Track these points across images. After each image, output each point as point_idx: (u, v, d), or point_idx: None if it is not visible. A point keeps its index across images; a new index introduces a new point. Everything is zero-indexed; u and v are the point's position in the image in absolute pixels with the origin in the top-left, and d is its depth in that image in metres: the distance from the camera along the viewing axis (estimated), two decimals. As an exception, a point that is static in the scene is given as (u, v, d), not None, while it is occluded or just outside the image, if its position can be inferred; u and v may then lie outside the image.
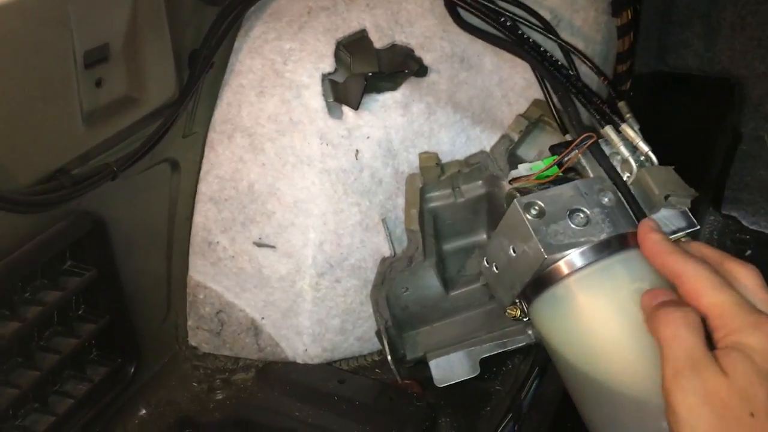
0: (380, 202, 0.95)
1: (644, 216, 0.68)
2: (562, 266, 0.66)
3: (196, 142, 0.95)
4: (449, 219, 0.96)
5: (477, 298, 0.95)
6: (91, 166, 0.76)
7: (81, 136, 0.73)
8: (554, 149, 0.76)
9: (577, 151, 0.74)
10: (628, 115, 0.76)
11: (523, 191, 0.72)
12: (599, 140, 0.75)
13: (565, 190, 0.69)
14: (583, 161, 0.74)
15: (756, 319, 0.55)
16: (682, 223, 0.71)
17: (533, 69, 0.85)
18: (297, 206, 0.93)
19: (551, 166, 0.74)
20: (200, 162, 0.96)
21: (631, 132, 0.74)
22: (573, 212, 0.67)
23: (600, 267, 0.65)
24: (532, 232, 0.66)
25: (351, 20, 0.94)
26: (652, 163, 0.74)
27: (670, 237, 0.68)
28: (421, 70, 0.95)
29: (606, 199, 0.68)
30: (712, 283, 0.57)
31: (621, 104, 0.78)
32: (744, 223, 1.19)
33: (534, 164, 0.76)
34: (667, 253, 0.61)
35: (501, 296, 0.73)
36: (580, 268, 0.65)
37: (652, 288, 0.62)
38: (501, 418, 0.91)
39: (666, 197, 0.69)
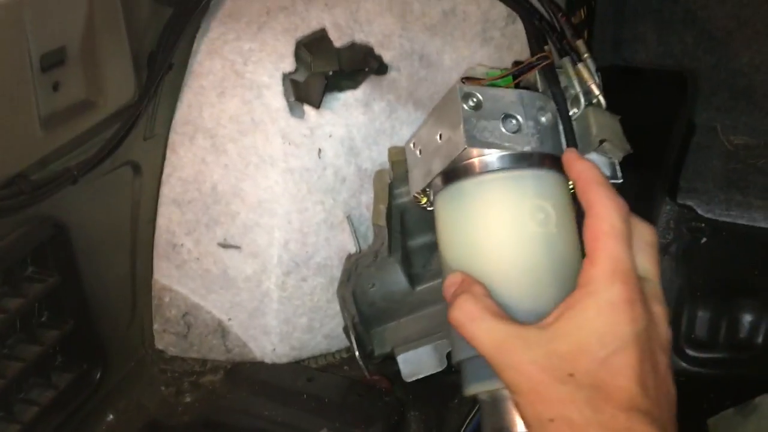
0: (344, 199, 0.96)
1: (575, 147, 0.69)
2: (477, 163, 0.66)
3: (158, 145, 0.95)
4: (417, 215, 0.96)
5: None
6: (50, 171, 0.75)
7: (39, 140, 0.73)
8: (515, 65, 0.76)
9: (532, 68, 0.73)
10: (585, 55, 0.75)
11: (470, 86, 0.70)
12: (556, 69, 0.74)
13: (508, 94, 0.68)
14: (539, 85, 0.74)
15: (626, 278, 0.57)
16: (607, 173, 0.71)
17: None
18: (261, 206, 0.94)
19: (505, 76, 0.74)
20: (162, 164, 0.96)
21: (586, 72, 0.74)
22: (507, 117, 0.67)
23: (512, 175, 0.65)
24: (462, 120, 0.65)
25: (310, 20, 0.94)
26: (600, 106, 0.73)
27: None
28: (381, 68, 0.96)
29: (543, 118, 0.69)
30: (616, 231, 0.58)
31: (579, 42, 0.78)
32: (699, 211, 1.22)
33: (491, 71, 0.76)
34: (594, 183, 0.61)
35: (415, 180, 0.73)
36: (494, 170, 0.65)
37: (462, 278, 0.63)
38: (470, 409, 0.92)
39: (601, 141, 0.69)
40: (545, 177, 0.66)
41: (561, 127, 0.70)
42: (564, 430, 0.55)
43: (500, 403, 0.63)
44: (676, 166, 1.27)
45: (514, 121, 0.66)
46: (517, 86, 0.73)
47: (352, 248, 0.96)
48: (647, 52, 1.41)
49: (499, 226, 0.64)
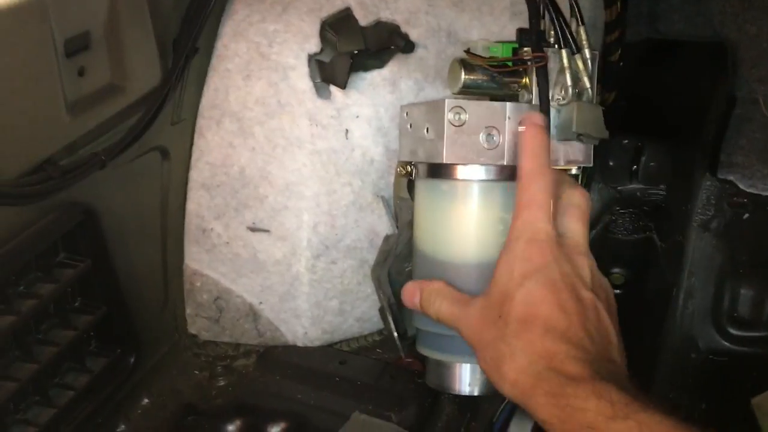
0: (373, 180, 0.95)
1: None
2: (455, 169, 0.76)
3: (185, 129, 0.95)
4: None
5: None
6: (79, 156, 0.76)
7: (66, 126, 0.73)
8: (522, 34, 0.80)
9: (526, 64, 0.79)
10: (584, 42, 0.80)
11: (470, 65, 0.80)
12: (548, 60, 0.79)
13: (494, 108, 0.76)
14: (533, 79, 0.80)
15: (533, 234, 0.69)
16: (580, 157, 0.80)
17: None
18: (289, 189, 0.93)
19: (504, 61, 0.80)
20: (190, 149, 0.96)
21: (581, 64, 0.79)
22: (489, 131, 0.75)
23: (485, 186, 0.76)
24: (445, 136, 0.74)
25: (335, -1, 0.93)
26: (588, 97, 0.79)
27: (566, 166, 0.79)
28: (407, 46, 0.94)
29: (524, 129, 0.74)
30: (531, 201, 0.70)
31: (581, 30, 0.80)
32: (740, 186, 1.18)
33: (493, 47, 0.82)
34: (531, 154, 0.71)
35: (402, 149, 0.83)
36: (468, 180, 0.76)
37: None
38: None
39: (579, 135, 0.78)
40: (514, 188, 0.73)
41: None
42: (499, 363, 0.66)
43: (444, 367, 0.80)
44: (715, 141, 1.23)
45: (495, 137, 0.75)
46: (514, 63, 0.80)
47: (382, 230, 0.95)
48: (684, 23, 1.36)
49: (463, 230, 0.76)
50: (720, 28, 1.30)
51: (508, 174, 0.75)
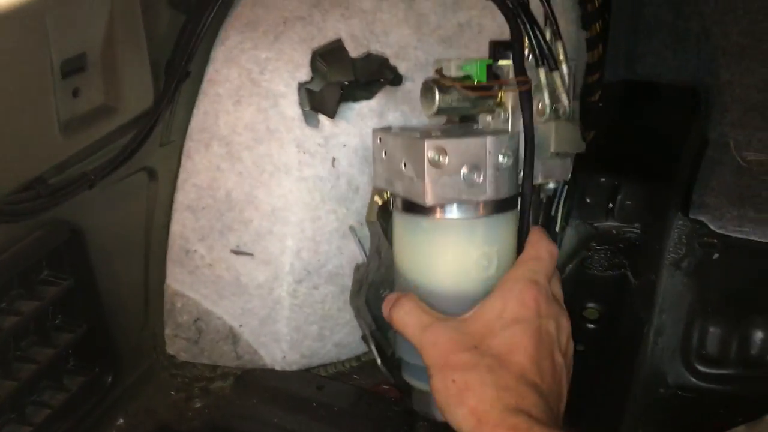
0: (357, 209, 0.96)
1: (532, 170, 0.76)
2: (437, 209, 0.74)
3: (174, 151, 0.95)
4: None
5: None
6: (68, 175, 0.76)
7: (58, 145, 0.74)
8: (497, 47, 0.79)
9: (506, 88, 0.77)
10: (561, 58, 0.79)
11: (444, 88, 0.76)
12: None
13: (473, 144, 0.73)
14: (510, 95, 0.78)
15: (534, 283, 0.71)
16: (558, 172, 0.80)
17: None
18: (274, 214, 0.94)
19: (478, 87, 0.77)
20: (177, 171, 0.97)
21: (559, 82, 0.77)
22: (470, 169, 0.72)
23: (466, 224, 0.74)
24: (426, 178, 0.71)
25: (327, 30, 0.95)
26: (565, 113, 0.78)
27: (544, 181, 0.79)
28: (396, 78, 0.96)
29: (504, 159, 0.74)
30: (538, 258, 0.74)
31: (558, 45, 0.79)
32: (711, 227, 1.21)
33: (466, 65, 0.79)
34: (539, 238, 0.75)
35: (377, 174, 0.80)
36: (449, 218, 0.74)
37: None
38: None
39: (557, 154, 0.78)
40: (496, 221, 0.75)
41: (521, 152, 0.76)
42: (462, 389, 0.66)
43: (429, 396, 0.74)
44: (688, 182, 1.27)
45: (474, 174, 0.73)
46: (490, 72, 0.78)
47: (361, 258, 0.97)
48: (661, 66, 1.41)
49: (446, 267, 0.75)
50: (695, 73, 1.34)
51: (491, 208, 0.75)
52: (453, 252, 0.75)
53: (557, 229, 0.96)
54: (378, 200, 0.86)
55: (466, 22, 0.99)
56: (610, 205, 1.18)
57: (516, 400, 0.65)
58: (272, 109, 0.93)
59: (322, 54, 0.95)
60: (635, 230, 1.17)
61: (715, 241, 1.19)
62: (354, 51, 0.95)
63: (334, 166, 0.94)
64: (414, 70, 0.97)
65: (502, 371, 0.66)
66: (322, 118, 0.94)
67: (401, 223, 0.79)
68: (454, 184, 0.72)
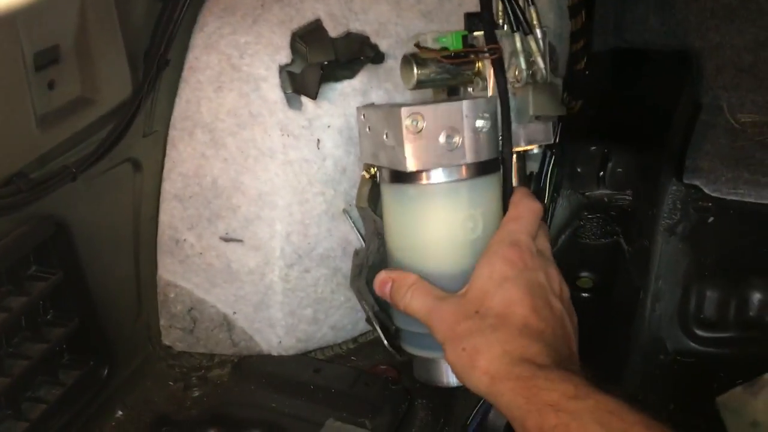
0: (345, 190, 0.96)
1: (509, 134, 0.78)
2: (421, 175, 0.76)
3: (157, 141, 0.95)
4: None
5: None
6: (49, 169, 0.76)
7: (36, 138, 0.73)
8: (470, 19, 0.81)
9: (480, 57, 0.79)
10: (535, 22, 0.80)
11: (422, 60, 0.79)
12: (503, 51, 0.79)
13: (451, 109, 0.75)
14: (487, 63, 0.79)
15: (515, 242, 0.74)
16: (540, 136, 0.81)
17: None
18: (262, 199, 0.94)
19: (455, 54, 0.79)
20: (162, 160, 0.96)
21: (534, 46, 0.79)
22: (448, 134, 0.74)
23: (450, 187, 0.76)
24: (405, 144, 0.74)
25: (305, 11, 0.94)
26: (542, 77, 0.80)
27: (527, 147, 0.81)
28: (377, 56, 0.95)
29: (482, 123, 0.75)
30: (519, 219, 0.77)
31: (531, 10, 0.80)
32: (706, 190, 1.20)
33: (442, 37, 0.81)
34: (522, 196, 0.78)
35: (364, 150, 0.83)
36: (433, 183, 0.76)
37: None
38: (478, 398, 0.92)
39: (536, 118, 0.80)
40: (479, 184, 0.77)
41: (499, 117, 0.77)
42: (473, 354, 0.69)
43: (431, 362, 0.82)
44: (681, 146, 1.26)
45: (454, 138, 0.74)
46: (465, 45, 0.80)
47: (355, 238, 0.96)
48: (650, 32, 1.40)
49: (434, 232, 0.77)
50: (684, 38, 1.33)
51: (473, 171, 0.77)
52: (439, 215, 0.77)
53: (546, 201, 0.95)
54: (366, 174, 0.88)
55: (446, -5, 0.98)
56: (601, 173, 1.17)
57: (520, 351, 0.68)
58: (254, 94, 0.92)
59: (302, 35, 0.94)
60: (627, 197, 1.16)
61: (710, 204, 1.19)
62: (333, 30, 0.94)
63: (319, 148, 0.94)
64: (395, 47, 0.96)
65: (505, 327, 0.70)
66: (305, 99, 0.93)
67: (388, 193, 0.81)
68: (434, 149, 0.74)
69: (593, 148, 1.18)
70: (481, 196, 0.78)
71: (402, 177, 0.77)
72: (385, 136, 0.77)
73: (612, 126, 1.20)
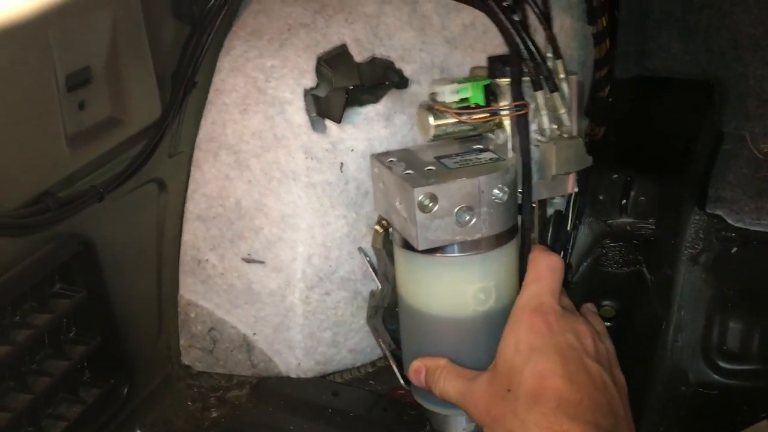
0: (367, 213, 0.96)
1: (530, 195, 0.76)
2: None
3: (182, 162, 0.96)
4: None
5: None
6: (77, 188, 0.77)
7: (66, 158, 0.74)
8: (493, 63, 0.78)
9: (504, 113, 0.76)
10: (561, 76, 0.77)
11: (437, 111, 0.77)
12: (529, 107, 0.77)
13: (466, 186, 0.72)
14: (507, 121, 0.77)
15: (538, 306, 0.72)
16: (563, 188, 0.80)
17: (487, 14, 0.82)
18: (284, 221, 0.94)
19: (474, 110, 0.76)
20: (187, 181, 0.97)
21: (559, 102, 0.76)
22: (462, 210, 0.71)
23: (461, 261, 0.74)
24: (417, 224, 0.71)
25: (331, 36, 0.95)
26: (567, 131, 0.77)
27: (548, 198, 0.81)
28: (401, 81, 0.96)
29: (499, 194, 0.72)
30: (539, 278, 0.74)
31: (558, 62, 0.78)
32: (729, 221, 1.19)
33: (462, 87, 0.77)
34: (540, 255, 0.76)
35: (378, 202, 0.82)
36: (446, 256, 0.74)
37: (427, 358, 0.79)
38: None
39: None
40: (492, 256, 0.75)
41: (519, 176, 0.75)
42: None
43: (445, 417, 0.82)
44: (704, 176, 1.25)
45: (467, 216, 0.72)
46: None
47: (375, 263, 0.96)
48: (672, 61, 1.39)
49: (443, 301, 0.76)
50: (707, 66, 1.33)
51: (486, 245, 0.74)
52: (449, 287, 0.76)
53: (569, 228, 0.95)
54: (379, 229, 0.87)
55: (470, 22, 0.99)
56: (624, 201, 1.16)
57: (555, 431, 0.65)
58: (279, 117, 0.93)
59: (327, 60, 0.95)
60: (650, 226, 1.15)
61: (733, 235, 1.17)
62: (359, 55, 0.95)
63: (342, 171, 0.94)
64: (420, 73, 0.97)
65: (540, 407, 0.66)
66: (329, 123, 0.94)
67: (400, 255, 0.80)
68: (447, 227, 0.72)
69: (615, 176, 1.18)
70: (494, 267, 0.75)
71: (412, 246, 0.75)
72: (397, 203, 0.75)
73: (634, 154, 1.20)
